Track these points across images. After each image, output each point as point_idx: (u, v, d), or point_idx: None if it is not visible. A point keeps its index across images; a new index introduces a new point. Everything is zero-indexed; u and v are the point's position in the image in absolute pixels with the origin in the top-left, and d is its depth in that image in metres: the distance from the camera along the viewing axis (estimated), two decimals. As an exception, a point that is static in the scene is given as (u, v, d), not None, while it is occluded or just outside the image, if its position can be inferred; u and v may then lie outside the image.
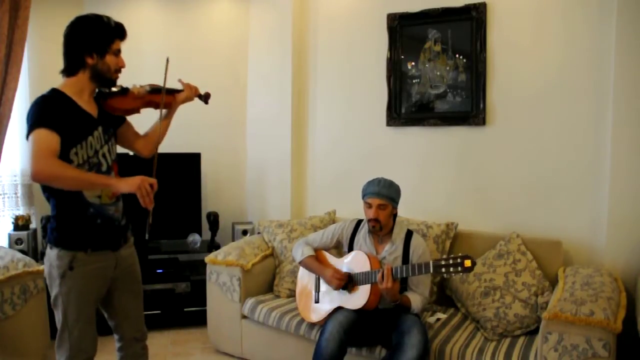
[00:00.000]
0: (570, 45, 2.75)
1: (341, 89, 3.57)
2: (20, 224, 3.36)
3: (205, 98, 2.20)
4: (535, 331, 2.38)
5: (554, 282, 2.58)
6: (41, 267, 2.77)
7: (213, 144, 3.93)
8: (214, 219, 3.66)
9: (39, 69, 3.57)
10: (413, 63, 3.22)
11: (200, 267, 3.47)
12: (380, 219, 2.41)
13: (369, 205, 2.43)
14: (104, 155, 1.90)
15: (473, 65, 3.00)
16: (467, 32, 3.01)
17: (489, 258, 2.70)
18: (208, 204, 3.91)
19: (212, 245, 3.56)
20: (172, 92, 2.10)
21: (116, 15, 1.92)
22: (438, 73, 3.14)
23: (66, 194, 1.80)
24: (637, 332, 2.04)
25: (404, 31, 3.24)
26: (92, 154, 1.85)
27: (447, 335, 2.44)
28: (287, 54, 3.67)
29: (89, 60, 1.82)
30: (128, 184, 1.73)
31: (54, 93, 1.82)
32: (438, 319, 2.62)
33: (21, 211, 3.53)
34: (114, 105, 1.93)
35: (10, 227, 3.38)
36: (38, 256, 3.40)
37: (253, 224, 3.79)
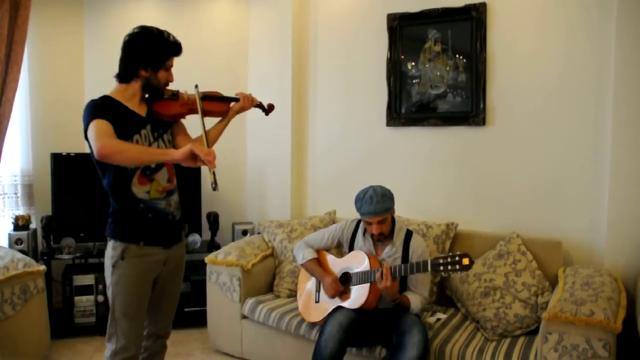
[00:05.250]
0: (570, 45, 2.76)
1: (341, 89, 3.57)
2: (20, 224, 3.36)
3: (266, 109, 2.30)
4: (535, 331, 2.38)
5: (554, 282, 2.58)
6: (41, 267, 2.77)
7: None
8: (214, 219, 3.66)
9: (39, 69, 3.52)
10: (413, 63, 3.22)
11: (200, 267, 3.47)
12: (384, 232, 2.43)
13: (368, 223, 2.43)
14: None
15: (473, 65, 3.00)
16: (467, 32, 3.01)
17: (489, 258, 2.70)
18: (208, 204, 3.90)
19: (212, 246, 3.56)
20: (227, 99, 2.20)
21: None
22: (438, 73, 3.14)
23: (119, 192, 1.91)
24: (637, 332, 2.04)
25: (404, 31, 3.24)
26: None
27: (447, 335, 2.44)
28: (287, 54, 3.67)
29: (143, 73, 1.94)
30: (180, 152, 1.79)
31: (104, 97, 1.92)
32: (438, 319, 2.62)
33: (21, 211, 3.53)
34: (158, 110, 2.01)
35: (10, 227, 3.38)
36: (38, 256, 3.39)
37: (253, 224, 3.79)
